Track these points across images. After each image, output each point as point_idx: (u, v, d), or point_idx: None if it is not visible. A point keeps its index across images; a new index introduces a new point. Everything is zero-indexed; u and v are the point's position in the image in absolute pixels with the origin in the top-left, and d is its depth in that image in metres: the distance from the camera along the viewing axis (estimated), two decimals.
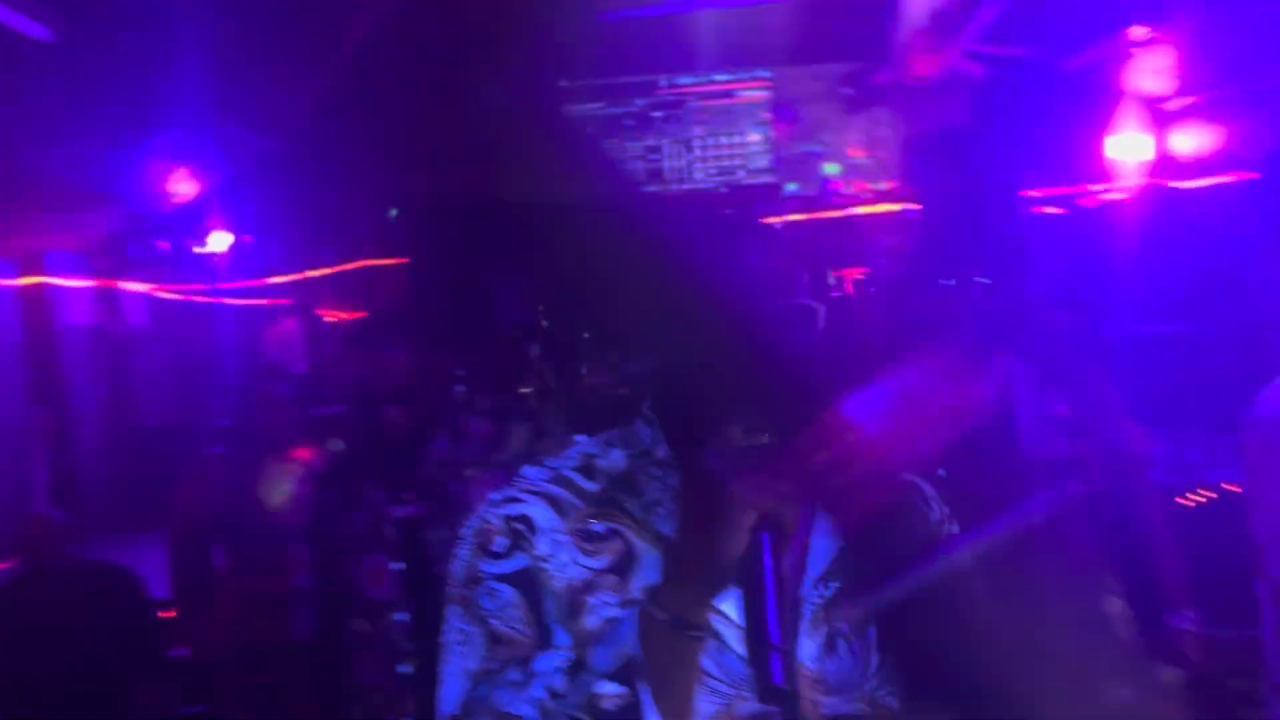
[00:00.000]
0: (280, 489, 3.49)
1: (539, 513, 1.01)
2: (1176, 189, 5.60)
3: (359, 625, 1.99)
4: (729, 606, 0.92)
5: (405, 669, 1.97)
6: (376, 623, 1.98)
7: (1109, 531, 2.19)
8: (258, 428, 3.53)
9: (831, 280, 6.64)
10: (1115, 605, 2.24)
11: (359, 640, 2.03)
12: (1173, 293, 5.34)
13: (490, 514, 1.04)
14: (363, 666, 2.00)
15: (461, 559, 1.04)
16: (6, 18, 4.16)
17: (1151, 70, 5.54)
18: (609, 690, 0.86)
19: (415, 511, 2.07)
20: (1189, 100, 5.63)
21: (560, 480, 1.05)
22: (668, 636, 0.84)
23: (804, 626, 0.93)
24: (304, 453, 3.60)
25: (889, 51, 5.51)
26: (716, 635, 0.91)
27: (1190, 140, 5.69)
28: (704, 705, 0.89)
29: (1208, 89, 5.51)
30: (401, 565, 2.02)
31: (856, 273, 6.49)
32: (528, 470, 1.08)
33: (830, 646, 0.93)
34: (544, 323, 6.27)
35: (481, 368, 4.27)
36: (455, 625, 0.98)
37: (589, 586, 0.94)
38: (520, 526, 1.01)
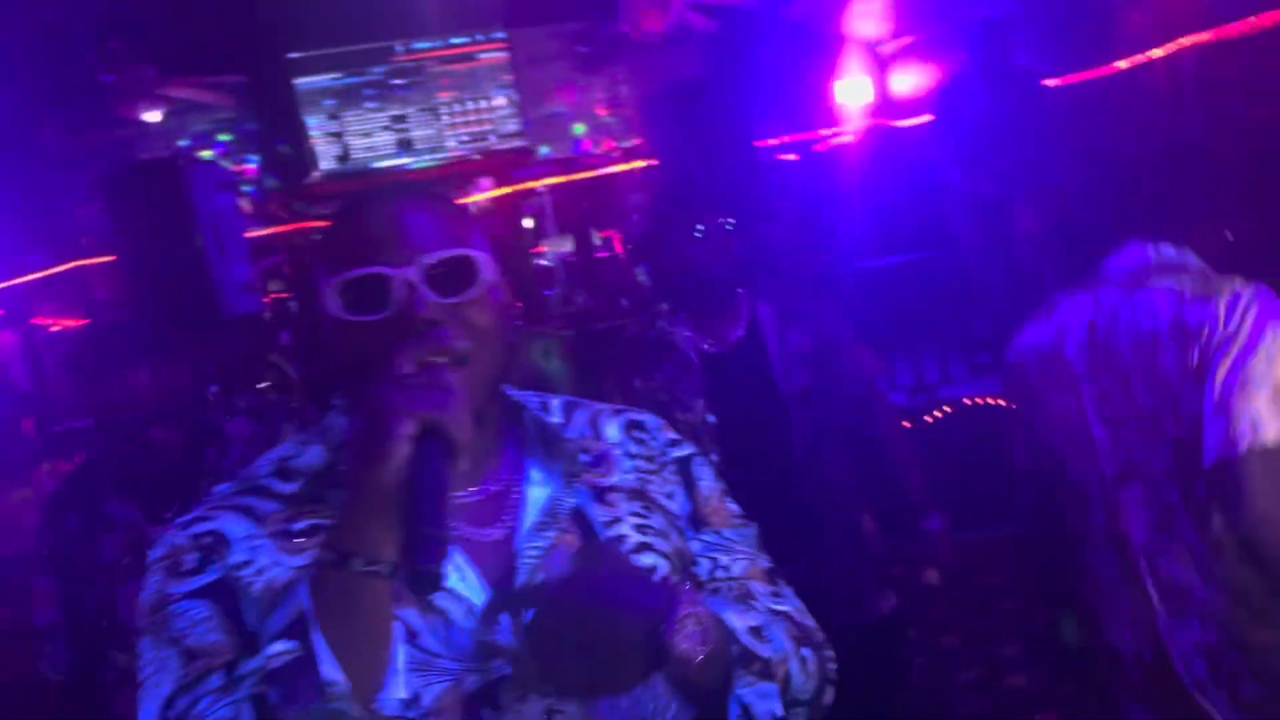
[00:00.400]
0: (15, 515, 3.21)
1: (230, 525, 0.98)
2: (898, 127, 5.99)
3: (119, 659, 1.83)
4: (456, 581, 0.92)
5: None
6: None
7: (858, 452, 2.35)
8: None
9: (596, 240, 6.71)
10: (868, 520, 2.40)
11: (119, 675, 1.87)
12: (900, 225, 5.72)
13: (177, 537, 0.98)
14: (124, 702, 1.85)
15: (149, 588, 0.97)
16: None
17: (866, 14, 5.87)
18: (277, 649, 0.83)
19: None
20: (904, 41, 6.02)
21: (252, 490, 1.02)
22: (343, 581, 0.82)
23: (518, 580, 0.95)
24: (40, 474, 3.30)
25: (618, 8, 5.56)
26: (442, 613, 0.91)
27: (908, 79, 6.08)
28: (433, 684, 0.89)
29: (921, 29, 5.90)
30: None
31: (613, 232, 6.59)
32: (217, 488, 1.02)
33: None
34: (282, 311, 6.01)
35: (230, 364, 4.02)
36: (147, 656, 0.91)
37: (294, 583, 0.90)
38: (209, 541, 0.97)
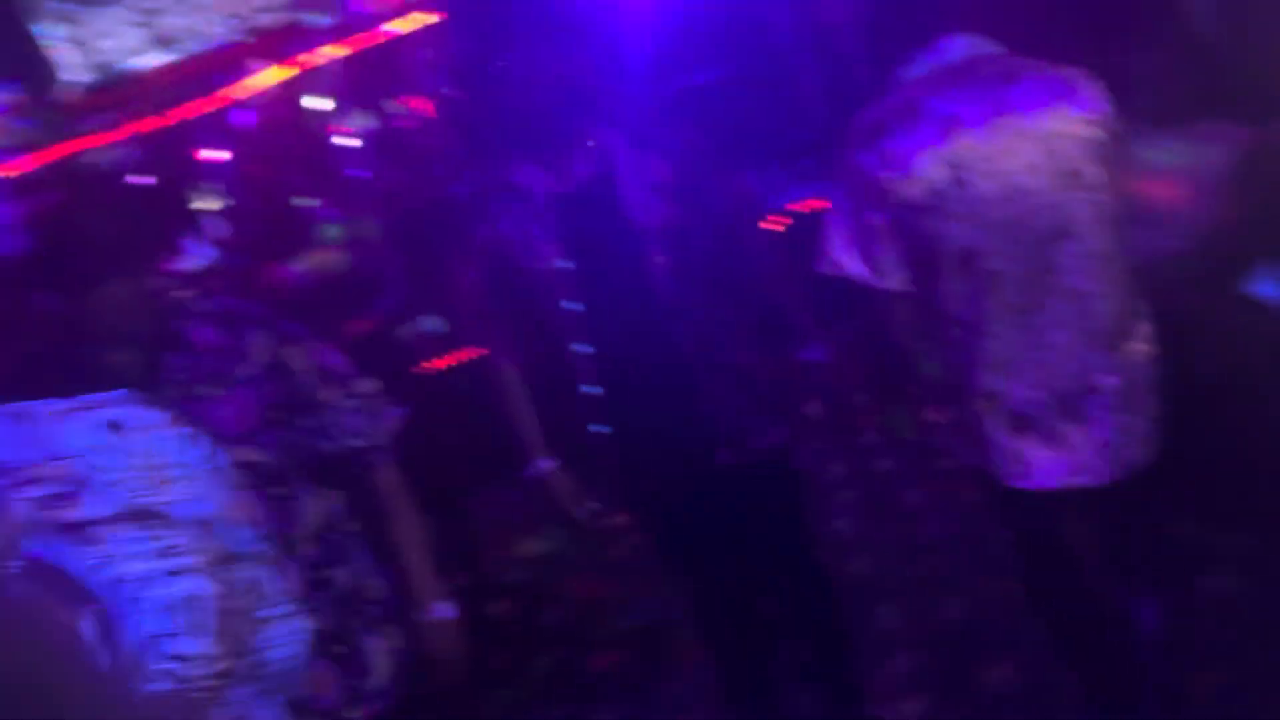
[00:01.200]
0: None
1: None
2: None
3: None
4: None
5: None
6: None
7: (731, 285, 2.22)
8: None
9: (393, 108, 6.31)
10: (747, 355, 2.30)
11: None
12: (710, 40, 5.55)
13: None
14: None
15: None
16: None
17: None
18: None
19: None
20: None
21: None
22: None
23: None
24: None
25: None
26: None
27: None
28: None
29: None
30: None
31: (413, 96, 6.20)
32: None
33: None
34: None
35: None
36: None
37: None
38: None
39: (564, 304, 2.10)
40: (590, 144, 2.09)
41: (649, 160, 2.09)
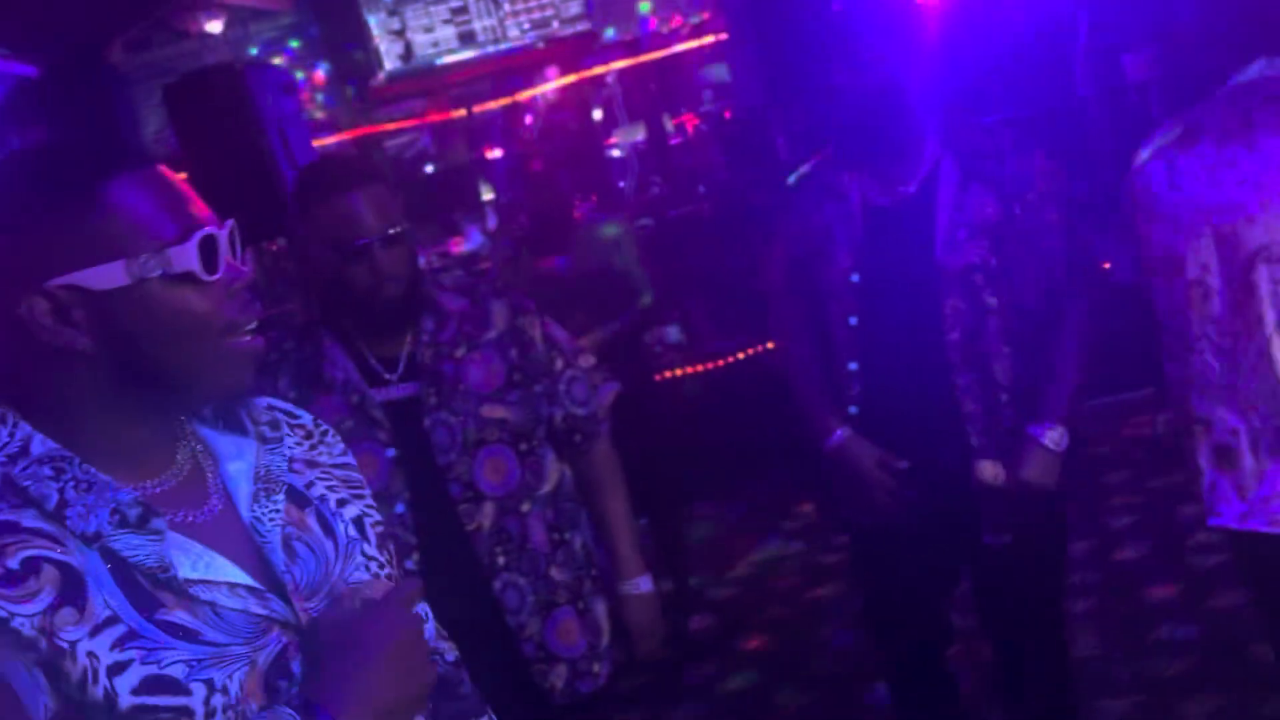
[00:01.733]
0: None
1: None
2: None
3: None
4: (203, 569, 0.89)
5: (410, 565, 1.79)
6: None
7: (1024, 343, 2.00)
8: None
9: (669, 126, 6.50)
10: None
11: None
12: (1003, 81, 5.37)
13: None
14: None
15: None
16: None
17: None
18: None
19: (406, 394, 1.84)
20: None
21: None
22: None
23: (270, 546, 0.93)
24: None
25: None
26: (209, 604, 0.88)
27: None
28: (233, 673, 0.87)
29: None
30: (394, 452, 1.81)
31: (688, 116, 6.37)
32: None
33: (291, 553, 0.94)
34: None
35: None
36: None
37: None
38: None
39: (850, 315, 2.03)
40: (926, 162, 2.00)
41: (980, 196, 1.97)
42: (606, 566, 1.96)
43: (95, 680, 0.81)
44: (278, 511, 0.95)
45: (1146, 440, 4.15)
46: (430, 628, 1.06)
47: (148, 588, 0.85)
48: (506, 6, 5.81)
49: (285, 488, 0.98)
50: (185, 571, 0.87)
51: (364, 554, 1.00)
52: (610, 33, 6.08)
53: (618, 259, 3.70)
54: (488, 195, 6.28)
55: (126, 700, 0.81)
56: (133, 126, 5.77)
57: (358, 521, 1.02)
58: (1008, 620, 2.16)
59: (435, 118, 5.93)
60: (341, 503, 1.02)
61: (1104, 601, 3.19)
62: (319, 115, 5.85)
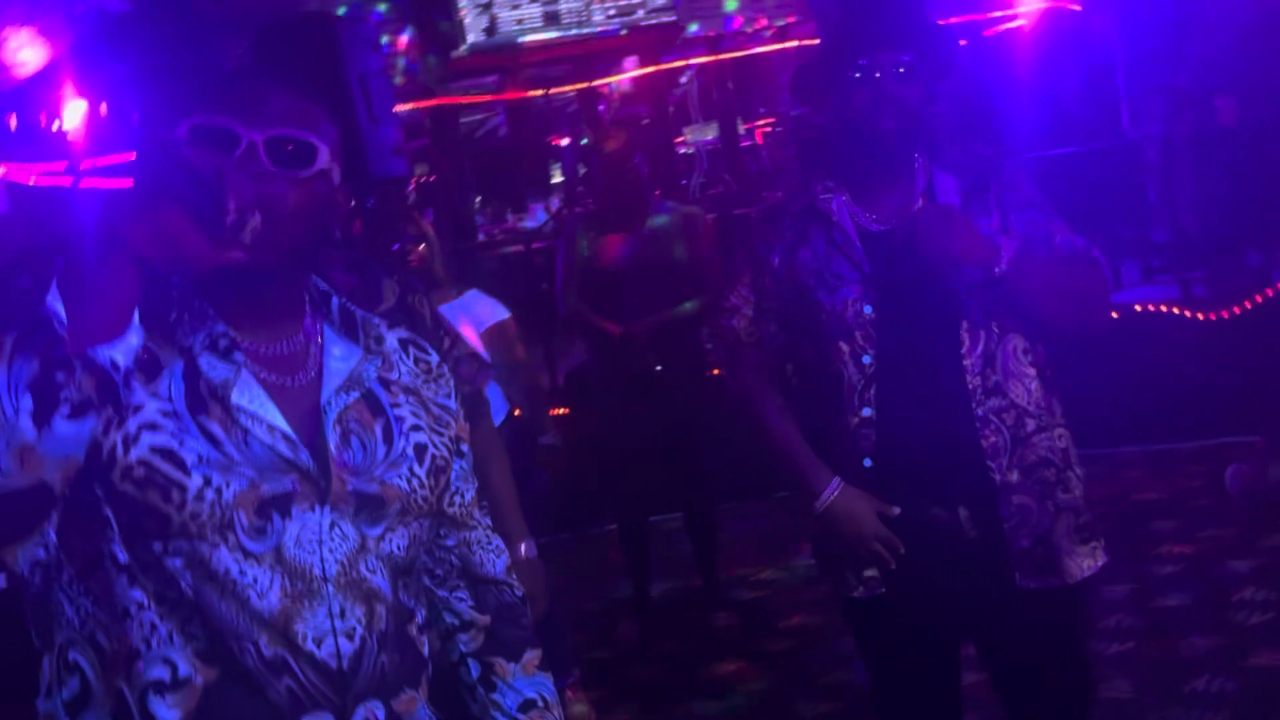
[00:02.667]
0: None
1: None
2: (1075, 11, 5.52)
3: None
4: (258, 406, 1.08)
5: None
6: None
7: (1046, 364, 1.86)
8: None
9: (741, 129, 6.47)
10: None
11: None
12: (1074, 113, 5.32)
13: None
14: None
15: None
16: None
17: None
18: None
19: None
20: None
21: None
22: None
23: (327, 424, 1.11)
24: None
25: None
26: (245, 430, 1.06)
27: None
28: (233, 482, 1.04)
29: None
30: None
31: (761, 121, 6.34)
32: None
33: (345, 439, 1.11)
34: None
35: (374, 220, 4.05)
36: None
37: None
38: None
39: (865, 353, 1.81)
40: (920, 181, 1.86)
41: (983, 216, 1.82)
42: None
43: (120, 426, 1.01)
44: (348, 406, 1.13)
45: (1198, 490, 4.07)
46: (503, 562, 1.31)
47: (204, 395, 1.06)
48: None
49: (366, 392, 1.16)
50: (236, 397, 1.06)
51: (410, 470, 1.15)
52: (694, 27, 6.07)
53: (682, 248, 3.66)
54: (556, 178, 6.30)
55: (137, 453, 1.02)
56: (216, 66, 5.85)
57: (420, 447, 1.17)
58: (1028, 681, 1.88)
59: (512, 95, 5.95)
60: (415, 428, 1.18)
61: (1141, 647, 3.11)
62: (398, 81, 5.89)
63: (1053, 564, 1.80)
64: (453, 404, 1.25)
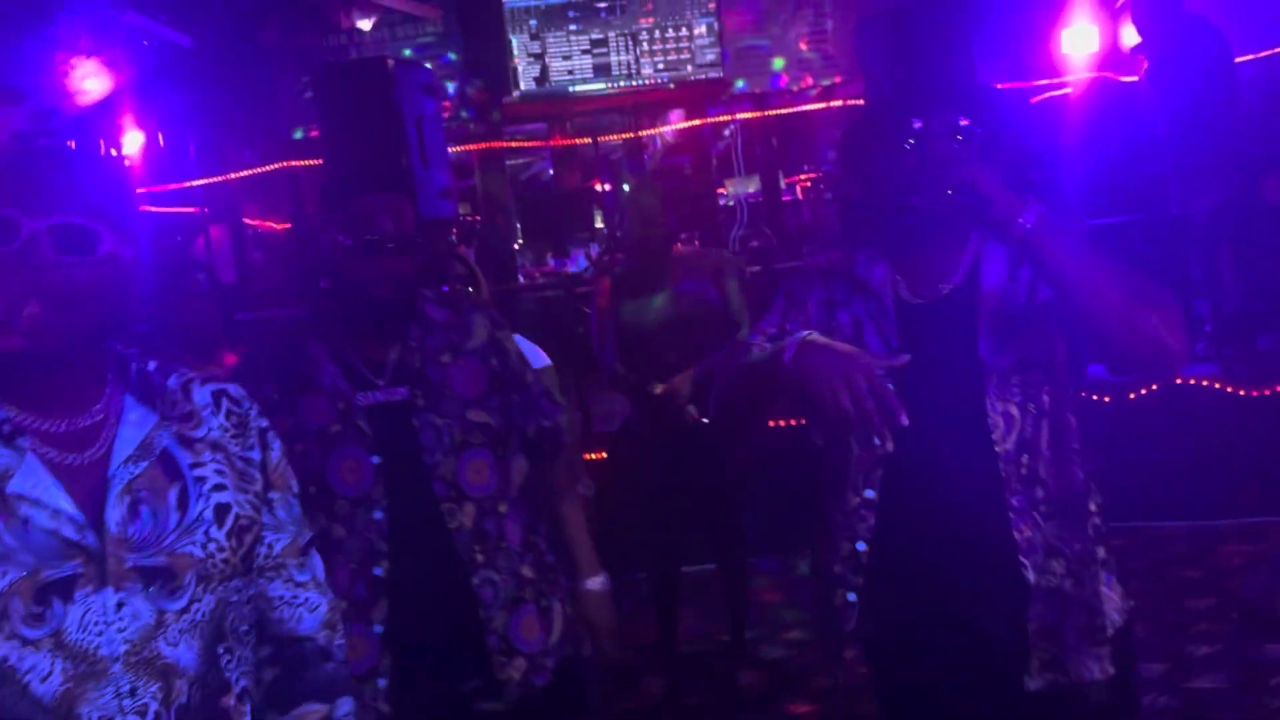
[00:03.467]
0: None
1: None
2: (1125, 82, 5.54)
3: (320, 522, 1.86)
4: (40, 491, 1.08)
5: (378, 572, 1.85)
6: (350, 523, 1.85)
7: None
8: (180, 328, 3.38)
9: (782, 184, 6.53)
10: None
11: (317, 538, 1.91)
12: (1120, 184, 5.32)
13: None
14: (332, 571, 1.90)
15: None
16: None
17: None
18: None
19: (393, 398, 1.93)
20: None
21: None
22: None
23: (110, 497, 1.10)
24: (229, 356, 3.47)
25: None
26: (23, 519, 1.07)
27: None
28: (8, 573, 1.04)
29: None
30: (379, 460, 1.88)
31: (802, 177, 6.39)
32: None
33: (134, 510, 1.11)
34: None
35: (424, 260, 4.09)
36: None
37: None
38: None
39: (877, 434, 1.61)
40: (967, 255, 1.74)
41: (1023, 271, 1.69)
42: (559, 567, 2.05)
43: None
44: (137, 475, 1.13)
45: (1237, 569, 4.01)
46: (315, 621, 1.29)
47: None
48: (645, 45, 5.93)
49: (159, 457, 1.16)
50: (15, 486, 1.07)
51: (207, 534, 1.14)
52: (740, 84, 6.15)
53: (714, 292, 3.67)
54: (599, 223, 6.37)
55: None
56: (274, 107, 6.00)
57: (221, 508, 1.17)
58: None
59: (559, 142, 6.05)
60: (218, 488, 1.18)
61: None
62: (453, 125, 6.01)
63: (1060, 662, 1.64)
64: (257, 455, 1.24)
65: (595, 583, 2.10)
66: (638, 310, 3.65)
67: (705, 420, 3.53)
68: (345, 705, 1.29)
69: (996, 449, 1.64)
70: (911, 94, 1.73)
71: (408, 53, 6.04)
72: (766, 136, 6.37)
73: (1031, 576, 1.64)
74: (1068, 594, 1.65)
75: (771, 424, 3.99)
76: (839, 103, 5.72)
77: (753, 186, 6.53)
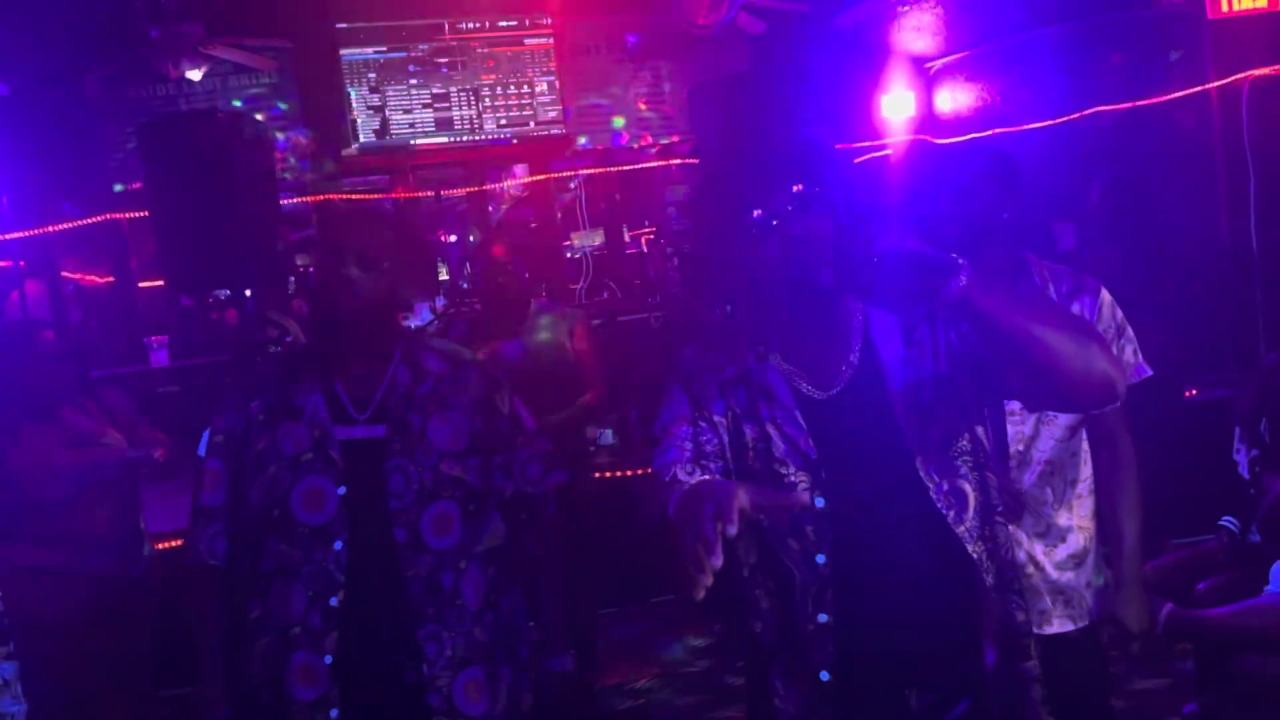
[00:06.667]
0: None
1: None
2: (941, 145, 5.93)
3: (280, 549, 1.83)
4: None
5: (333, 602, 1.80)
6: (309, 552, 1.82)
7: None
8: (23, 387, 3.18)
9: (626, 236, 6.67)
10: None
11: (277, 564, 1.87)
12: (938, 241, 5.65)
13: None
14: (278, 591, 1.86)
15: None
16: None
17: (916, 29, 5.82)
18: None
19: (371, 434, 1.91)
20: (952, 58, 5.96)
21: None
22: None
23: None
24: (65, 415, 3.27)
25: (671, 1, 5.54)
26: None
27: (953, 98, 6.03)
28: None
29: (969, 47, 5.84)
30: (344, 490, 1.85)
31: (646, 229, 6.55)
32: None
33: None
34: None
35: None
36: None
37: None
38: None
39: (819, 552, 1.52)
40: (857, 331, 1.60)
41: (920, 334, 1.57)
42: (531, 638, 2.03)
43: None
44: None
45: None
46: None
47: None
48: (487, 100, 5.98)
49: None
50: None
51: None
52: (583, 140, 6.27)
53: (569, 349, 3.73)
54: (442, 275, 6.34)
55: None
56: (96, 158, 5.73)
57: None
58: None
59: (401, 195, 6.01)
60: None
61: None
62: (286, 177, 5.88)
63: None
64: None
65: (560, 663, 2.05)
66: (491, 358, 3.66)
67: None
68: None
69: (958, 529, 1.52)
70: (744, 162, 1.59)
71: (238, 103, 5.89)
72: (609, 191, 6.51)
73: (1035, 667, 1.55)
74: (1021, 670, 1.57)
75: (596, 475, 4.02)
76: (678, 160, 5.91)
77: (597, 239, 6.64)
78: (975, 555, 1.52)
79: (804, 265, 1.46)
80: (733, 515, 1.24)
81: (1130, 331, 2.27)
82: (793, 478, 1.54)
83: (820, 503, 1.52)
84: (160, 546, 3.43)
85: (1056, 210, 5.16)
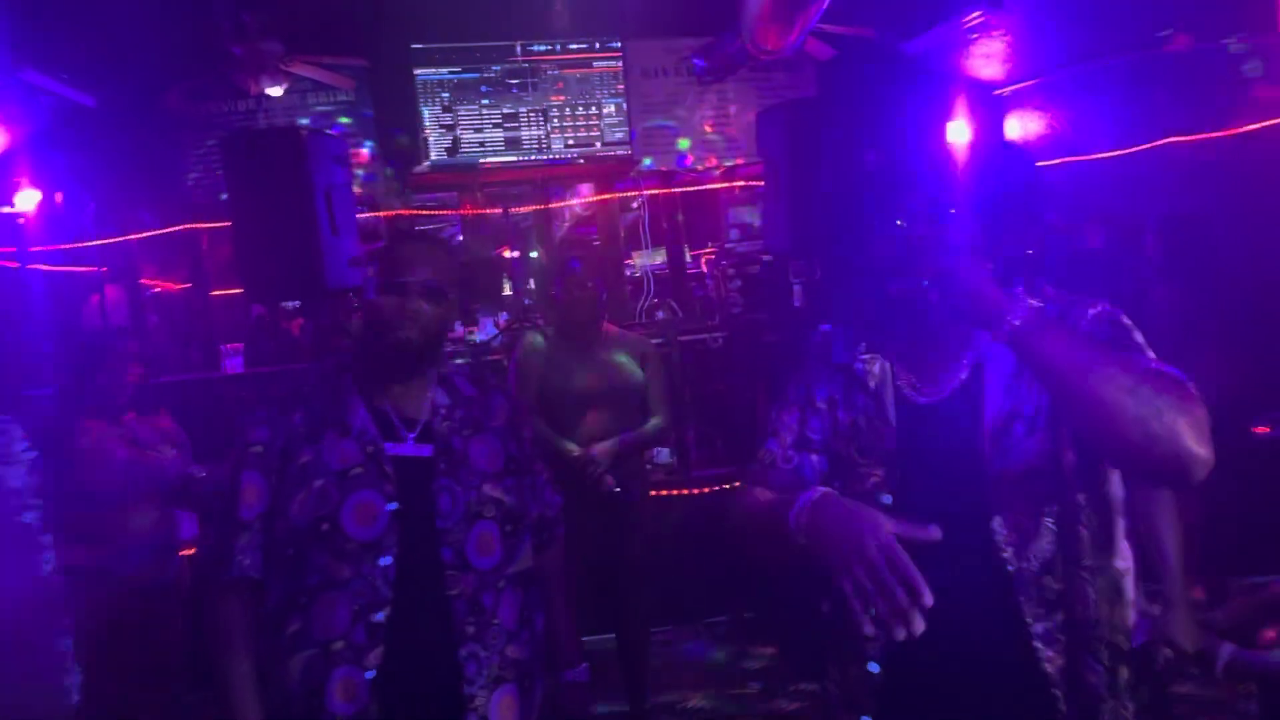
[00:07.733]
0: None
1: None
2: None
3: (323, 562, 1.85)
4: None
5: (379, 618, 1.84)
6: (358, 566, 1.85)
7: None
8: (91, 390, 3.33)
9: (688, 256, 6.71)
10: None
11: (321, 579, 1.89)
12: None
13: None
14: (322, 605, 1.88)
15: None
16: None
17: (986, 56, 5.80)
18: None
19: (420, 453, 1.97)
20: (1021, 85, 5.93)
21: None
22: None
23: None
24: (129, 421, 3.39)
25: (739, 26, 5.59)
26: None
27: (1023, 125, 5.99)
28: None
29: (1038, 75, 5.81)
30: (396, 506, 1.89)
31: (708, 250, 6.59)
32: None
33: None
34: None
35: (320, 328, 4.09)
36: None
37: None
38: None
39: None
40: (963, 352, 1.60)
41: (1032, 387, 1.53)
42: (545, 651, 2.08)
43: None
44: None
45: None
46: None
47: None
48: (555, 121, 6.08)
49: None
50: None
51: None
52: (648, 161, 6.34)
53: (639, 374, 3.76)
54: (506, 290, 6.43)
55: None
56: (175, 169, 5.93)
57: None
58: None
59: (470, 211, 6.12)
60: None
61: None
62: (358, 190, 6.03)
63: None
64: None
65: (574, 674, 2.13)
66: (564, 374, 3.70)
67: (618, 490, 3.59)
68: None
69: (1010, 568, 1.48)
70: (888, 174, 1.61)
71: (311, 119, 6.06)
72: (672, 211, 6.57)
73: (1063, 708, 1.48)
74: None
75: (653, 494, 4.04)
76: (741, 183, 5.94)
77: (659, 259, 6.69)
78: (1021, 598, 1.47)
79: (917, 270, 1.46)
80: (914, 574, 1.26)
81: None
82: (866, 469, 1.58)
83: (887, 499, 1.54)
84: (184, 554, 3.52)
85: (1114, 245, 5.09)
